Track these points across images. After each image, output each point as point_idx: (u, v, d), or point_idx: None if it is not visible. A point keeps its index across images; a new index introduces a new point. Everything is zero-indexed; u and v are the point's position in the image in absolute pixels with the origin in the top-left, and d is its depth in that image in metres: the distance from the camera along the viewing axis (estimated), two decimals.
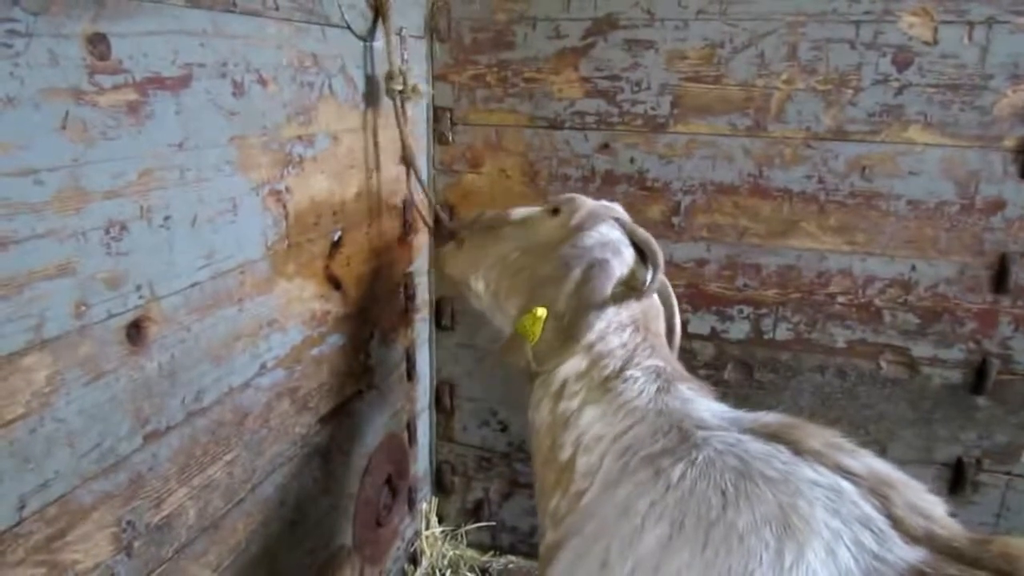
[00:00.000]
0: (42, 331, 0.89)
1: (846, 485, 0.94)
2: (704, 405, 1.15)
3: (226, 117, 1.17)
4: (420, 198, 1.72)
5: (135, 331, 1.03)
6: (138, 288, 1.03)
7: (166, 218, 1.07)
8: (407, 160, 1.69)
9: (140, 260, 1.02)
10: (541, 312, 1.19)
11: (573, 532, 1.09)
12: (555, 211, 1.38)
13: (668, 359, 1.24)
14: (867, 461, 0.98)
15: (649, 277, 1.22)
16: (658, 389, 1.16)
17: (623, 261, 1.25)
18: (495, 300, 1.42)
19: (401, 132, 1.64)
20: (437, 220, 1.74)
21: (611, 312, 1.21)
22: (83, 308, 0.94)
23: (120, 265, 0.99)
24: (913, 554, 0.87)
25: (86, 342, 0.95)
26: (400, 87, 1.60)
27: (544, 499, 1.22)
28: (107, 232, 0.97)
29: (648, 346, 1.22)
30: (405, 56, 1.79)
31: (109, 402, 1.00)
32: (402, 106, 1.63)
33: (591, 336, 1.20)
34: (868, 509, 0.91)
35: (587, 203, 1.36)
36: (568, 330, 1.20)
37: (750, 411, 1.15)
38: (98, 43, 0.93)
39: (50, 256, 0.89)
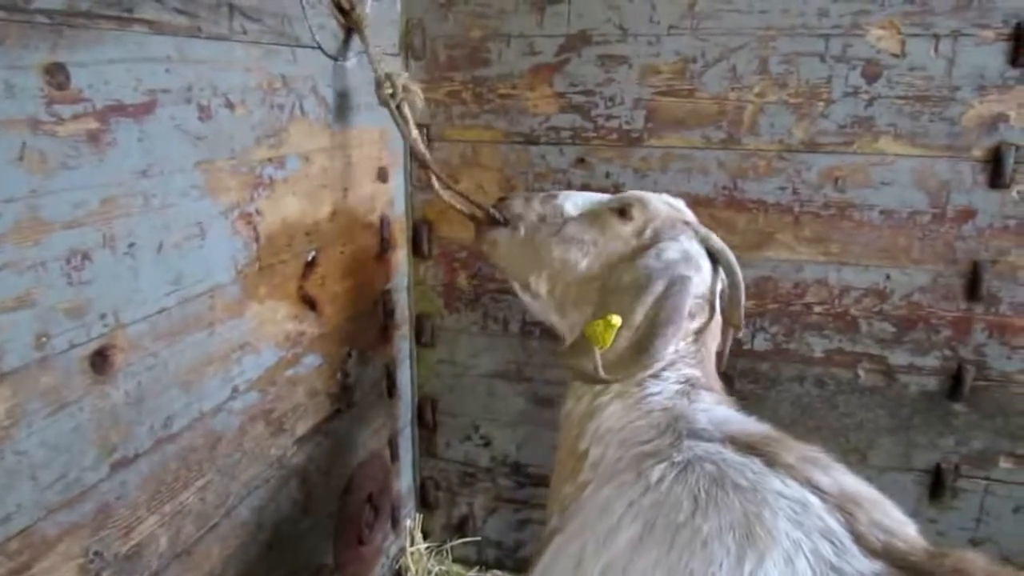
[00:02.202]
0: (0, 364, 0.88)
1: (813, 499, 0.96)
2: (705, 408, 1.17)
3: (192, 142, 1.17)
4: (440, 190, 1.58)
5: (100, 360, 1.02)
6: (102, 317, 1.02)
7: (131, 245, 1.06)
8: (420, 160, 1.57)
9: (104, 289, 1.02)
10: (616, 320, 1.15)
11: (561, 527, 1.12)
12: (622, 212, 1.33)
13: (708, 373, 1.25)
14: (838, 477, 0.99)
15: (723, 301, 1.25)
16: (677, 392, 1.19)
17: (703, 278, 1.25)
18: (559, 306, 1.39)
19: (404, 134, 1.55)
20: (476, 205, 1.56)
21: (684, 327, 1.22)
22: (44, 339, 0.93)
23: (82, 294, 0.99)
24: (870, 567, 0.89)
25: (48, 373, 0.94)
26: (391, 91, 1.54)
27: (558, 486, 1.24)
28: (68, 262, 0.96)
29: (696, 357, 1.24)
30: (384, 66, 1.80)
31: (73, 432, 0.99)
32: (398, 109, 1.55)
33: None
34: (832, 523, 0.93)
35: (659, 208, 1.34)
36: (641, 343, 1.17)
37: (748, 416, 1.17)
38: (56, 73, 0.92)
39: (8, 289, 0.88)
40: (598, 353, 1.17)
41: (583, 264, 1.34)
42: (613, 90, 1.83)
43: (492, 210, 1.49)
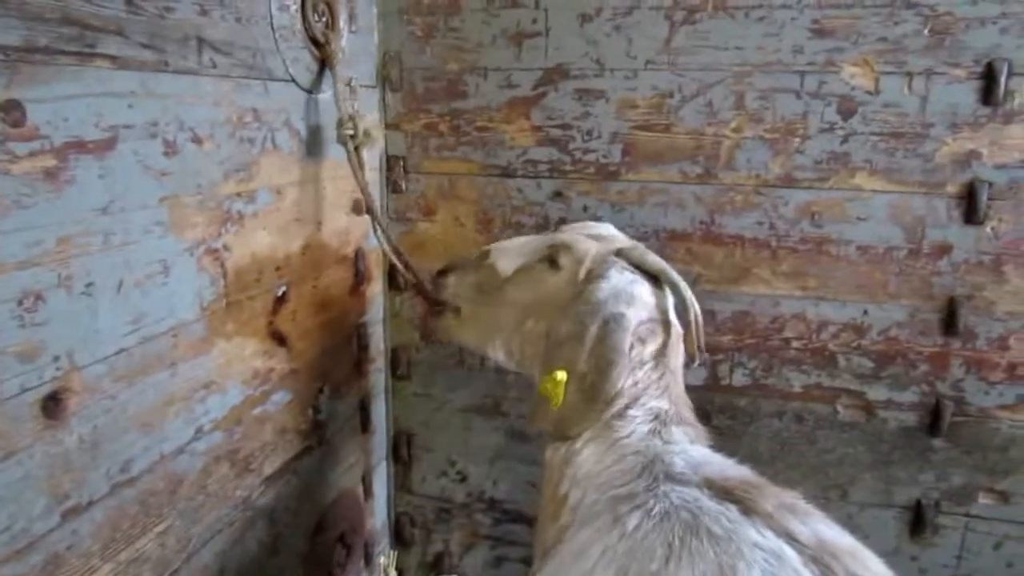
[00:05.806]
0: None
1: (789, 551, 0.93)
2: (682, 450, 1.14)
3: (156, 178, 1.14)
4: (387, 249, 1.64)
5: (52, 404, 0.98)
6: (55, 359, 0.98)
7: (88, 285, 1.03)
8: (368, 209, 1.61)
9: (58, 330, 0.98)
10: (562, 376, 1.17)
11: (538, 570, 1.10)
12: (552, 262, 1.32)
13: (677, 401, 1.23)
14: (816, 527, 0.97)
15: (679, 315, 1.22)
16: (649, 431, 1.17)
17: (642, 305, 1.22)
18: (522, 365, 1.41)
19: (357, 179, 1.57)
20: (409, 273, 1.65)
21: (633, 359, 1.20)
22: None
23: (35, 336, 0.95)
24: None
25: None
26: (351, 131, 1.55)
27: (542, 531, 1.23)
28: (20, 303, 0.93)
29: (661, 385, 1.21)
30: (355, 105, 1.79)
31: (21, 481, 0.95)
32: (356, 152, 1.56)
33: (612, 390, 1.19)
34: None
35: (588, 248, 1.31)
36: (591, 391, 1.18)
37: (726, 458, 1.15)
38: (11, 110, 0.90)
39: None
40: (554, 411, 1.18)
41: (529, 324, 1.34)
42: (590, 124, 1.83)
43: (430, 291, 1.52)
